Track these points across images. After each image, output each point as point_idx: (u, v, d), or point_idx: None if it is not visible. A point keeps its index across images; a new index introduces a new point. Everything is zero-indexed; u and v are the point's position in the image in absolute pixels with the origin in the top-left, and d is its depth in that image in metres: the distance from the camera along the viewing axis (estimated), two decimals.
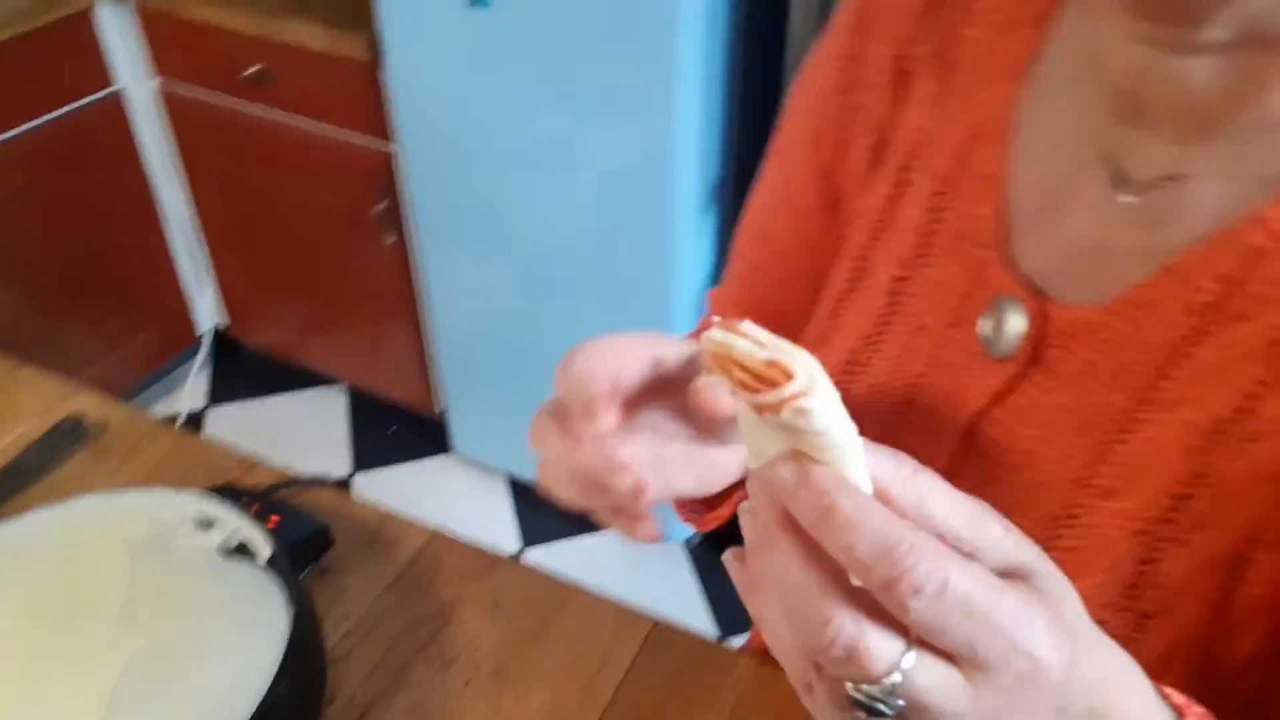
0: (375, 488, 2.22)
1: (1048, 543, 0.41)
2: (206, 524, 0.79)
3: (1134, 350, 0.45)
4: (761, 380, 0.30)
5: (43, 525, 0.79)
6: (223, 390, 2.48)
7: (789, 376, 0.30)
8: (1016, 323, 0.48)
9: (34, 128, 1.97)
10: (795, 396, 0.29)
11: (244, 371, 2.52)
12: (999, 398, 0.49)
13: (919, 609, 0.29)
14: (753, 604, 0.35)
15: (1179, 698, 0.37)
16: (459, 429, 2.20)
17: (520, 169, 1.70)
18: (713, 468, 0.46)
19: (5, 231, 2.00)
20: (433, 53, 1.66)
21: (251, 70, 1.93)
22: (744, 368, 0.30)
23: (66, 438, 0.98)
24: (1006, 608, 0.29)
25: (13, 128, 1.94)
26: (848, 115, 0.56)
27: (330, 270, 2.18)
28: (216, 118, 2.07)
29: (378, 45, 1.73)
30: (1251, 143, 0.42)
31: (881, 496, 0.31)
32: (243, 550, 0.76)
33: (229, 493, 0.84)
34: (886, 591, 0.29)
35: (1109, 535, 0.45)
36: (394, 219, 1.96)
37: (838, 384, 0.38)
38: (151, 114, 2.18)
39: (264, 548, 0.76)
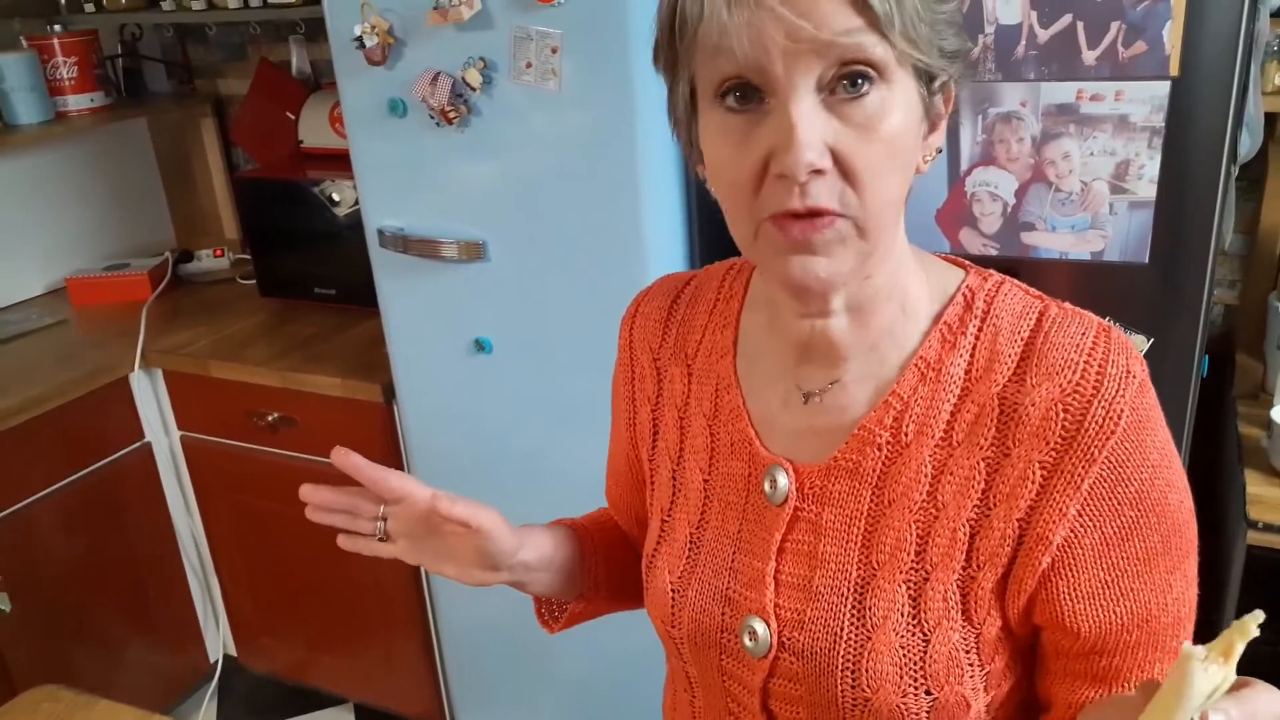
0: None
1: (858, 598, 0.74)
2: None
3: (855, 481, 0.76)
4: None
5: None
6: (231, 718, 2.54)
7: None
8: (783, 479, 0.78)
9: (76, 479, 2.18)
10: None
11: (252, 698, 2.59)
12: (792, 526, 0.78)
13: None
14: None
15: None
16: None
17: (514, 479, 1.90)
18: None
19: (46, 571, 2.16)
20: (439, 391, 1.92)
21: (271, 418, 2.18)
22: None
23: None
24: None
25: (59, 480, 2.16)
26: (635, 393, 0.93)
27: (339, 592, 2.31)
28: (234, 462, 2.29)
29: (390, 389, 1.99)
30: (863, 357, 0.77)
31: None
32: None
33: None
34: None
35: (892, 586, 0.74)
36: None
37: (686, 559, 0.85)
38: (174, 462, 2.40)
39: None
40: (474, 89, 1.60)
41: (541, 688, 2.07)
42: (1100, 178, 1.33)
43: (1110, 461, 0.70)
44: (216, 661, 2.55)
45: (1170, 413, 1.41)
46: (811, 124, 0.63)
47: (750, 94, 0.65)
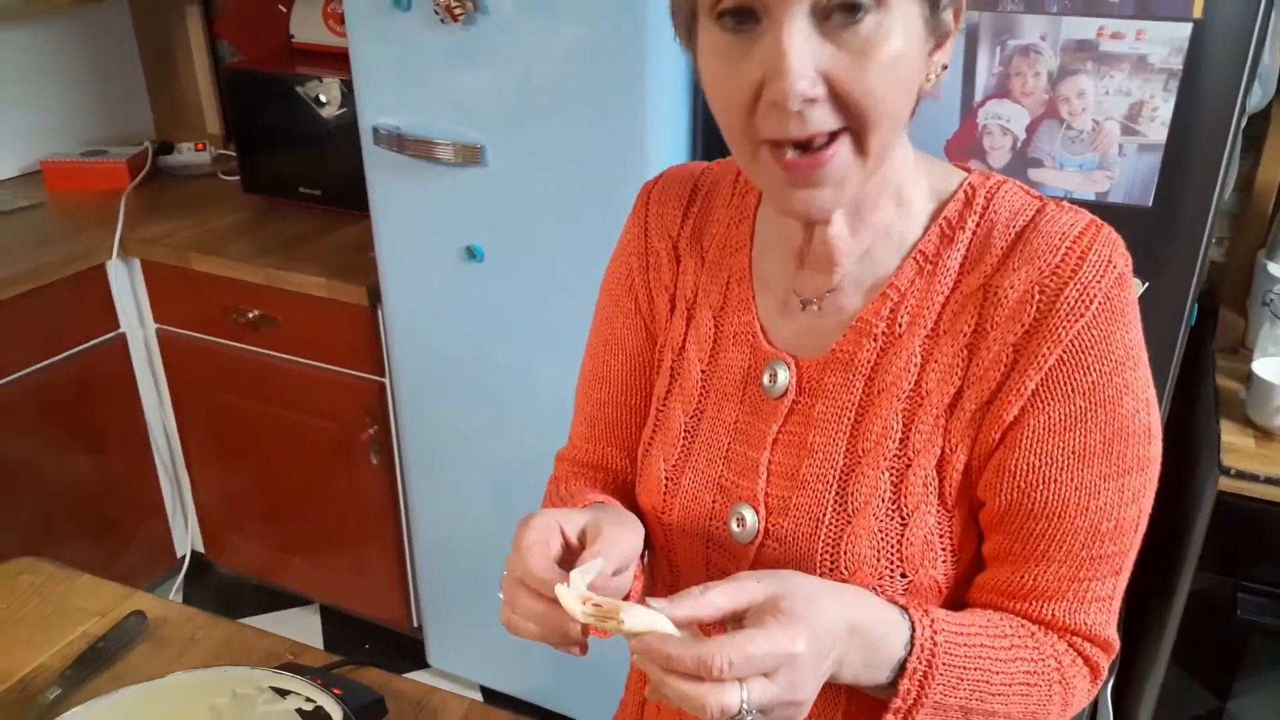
0: None
1: (841, 485, 0.76)
2: (282, 694, 0.92)
3: (849, 373, 0.77)
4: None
5: (138, 698, 0.92)
6: None
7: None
8: (784, 374, 0.80)
9: (48, 365, 2.15)
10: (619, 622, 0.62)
11: (218, 594, 2.60)
12: (787, 418, 0.80)
13: (729, 670, 0.59)
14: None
15: (901, 599, 0.72)
16: (436, 644, 2.29)
17: (498, 390, 1.90)
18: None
19: (15, 456, 2.13)
20: (426, 297, 1.90)
21: (252, 315, 2.15)
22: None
23: (130, 631, 1.11)
24: (761, 641, 0.60)
25: (30, 365, 2.12)
26: (651, 282, 0.90)
27: (314, 495, 2.31)
28: (211, 358, 2.26)
29: (376, 292, 1.97)
30: (858, 262, 0.78)
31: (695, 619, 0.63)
32: (316, 715, 0.90)
33: (292, 669, 0.97)
34: (710, 673, 0.59)
35: (876, 473, 0.75)
36: (383, 442, 2.13)
37: (681, 447, 0.85)
38: (149, 355, 2.36)
39: (337, 712, 0.89)
40: None
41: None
42: (1113, 118, 1.32)
43: (1075, 346, 0.70)
44: (184, 556, 2.55)
45: (1158, 357, 1.43)
46: (803, 52, 0.63)
47: (745, 15, 0.64)
